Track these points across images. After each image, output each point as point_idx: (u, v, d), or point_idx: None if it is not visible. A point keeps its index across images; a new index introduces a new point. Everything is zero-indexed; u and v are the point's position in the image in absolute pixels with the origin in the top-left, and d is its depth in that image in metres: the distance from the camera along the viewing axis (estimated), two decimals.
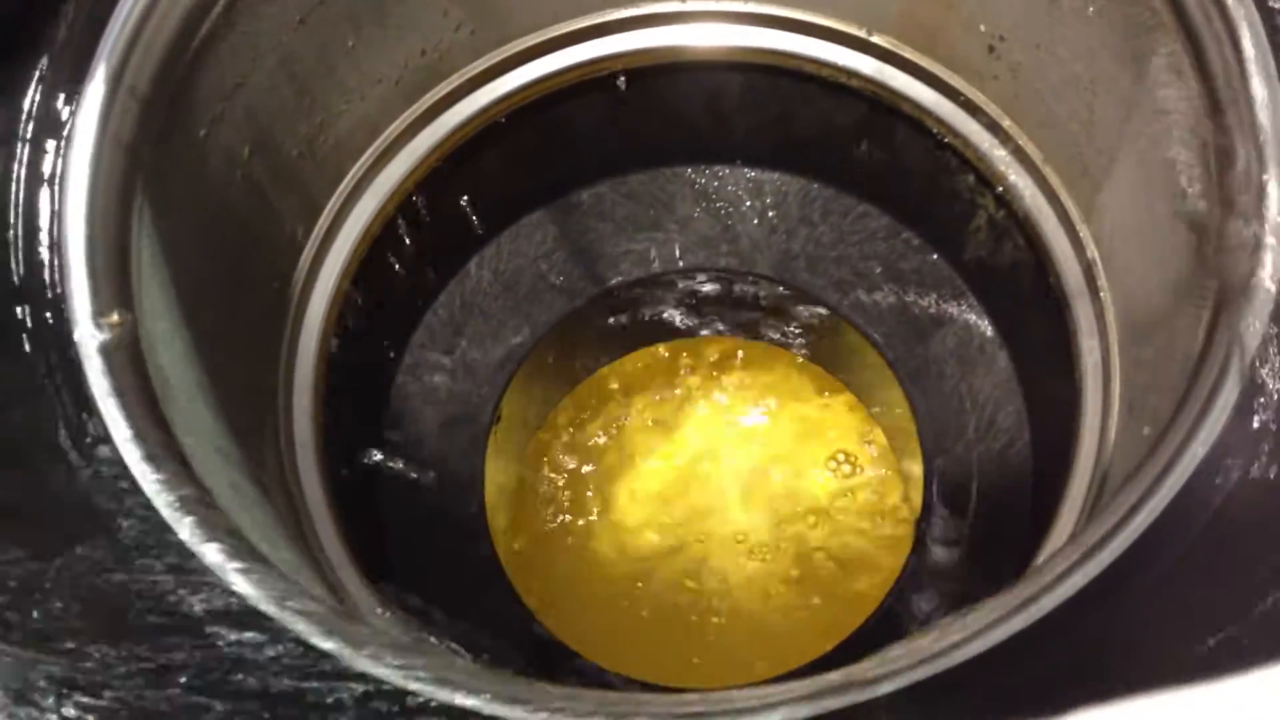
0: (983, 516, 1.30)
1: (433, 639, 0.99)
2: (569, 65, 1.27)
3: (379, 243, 1.24)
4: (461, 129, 1.27)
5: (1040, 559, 1.04)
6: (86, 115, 0.87)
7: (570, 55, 1.27)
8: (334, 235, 1.20)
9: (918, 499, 1.36)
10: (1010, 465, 1.29)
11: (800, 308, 1.45)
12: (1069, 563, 0.73)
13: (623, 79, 1.29)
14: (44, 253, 0.85)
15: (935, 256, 1.37)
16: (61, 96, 0.86)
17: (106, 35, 0.88)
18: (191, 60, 0.94)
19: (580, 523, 1.49)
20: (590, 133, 1.37)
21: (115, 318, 0.84)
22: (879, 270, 1.40)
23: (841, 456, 1.50)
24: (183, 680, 0.73)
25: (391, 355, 1.37)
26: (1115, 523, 0.74)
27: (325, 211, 1.19)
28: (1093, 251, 1.12)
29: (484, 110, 1.27)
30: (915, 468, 1.38)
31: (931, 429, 1.36)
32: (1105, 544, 0.73)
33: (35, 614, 0.75)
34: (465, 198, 1.34)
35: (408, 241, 1.28)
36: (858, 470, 1.49)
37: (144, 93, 0.90)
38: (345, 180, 1.20)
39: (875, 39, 1.20)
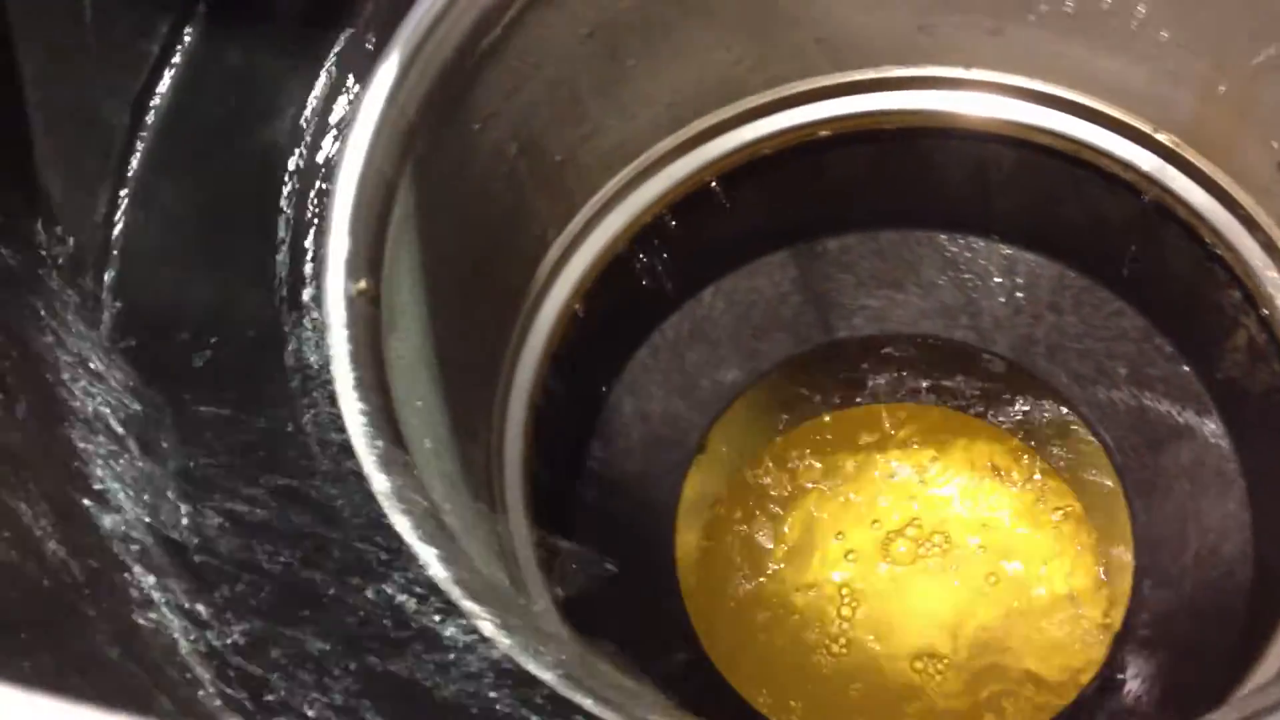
0: (1185, 642, 1.23)
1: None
2: (840, 115, 1.27)
3: (621, 257, 1.27)
4: (723, 160, 1.28)
5: (1242, 692, 0.98)
6: (374, 93, 0.92)
7: (843, 105, 1.27)
8: (580, 242, 1.23)
9: (1118, 615, 1.30)
10: (1224, 596, 1.22)
11: (1032, 394, 1.41)
12: (1271, 701, 0.69)
13: (890, 136, 1.28)
14: (312, 206, 0.90)
15: (1185, 368, 1.31)
16: (352, 74, 0.92)
17: (406, 21, 0.94)
18: (479, 58, 0.99)
19: (762, 566, 1.49)
20: (849, 183, 1.37)
21: (363, 284, 0.89)
22: (1123, 371, 1.35)
23: (1047, 555, 1.44)
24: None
25: (613, 367, 1.39)
26: None
27: (577, 218, 1.22)
28: None
29: (748, 145, 1.28)
30: (1123, 580, 1.32)
31: (1148, 543, 1.30)
32: None
33: None
34: (713, 227, 1.36)
35: (649, 260, 1.31)
36: (1061, 572, 1.43)
37: (430, 81, 0.95)
38: (601, 192, 1.23)
39: (1160, 136, 1.15)
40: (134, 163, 0.89)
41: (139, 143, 0.90)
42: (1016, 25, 1.15)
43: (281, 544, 0.79)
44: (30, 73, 0.76)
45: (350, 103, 0.92)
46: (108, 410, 0.78)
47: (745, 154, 1.29)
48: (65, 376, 0.77)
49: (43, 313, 0.77)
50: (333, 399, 0.84)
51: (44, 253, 0.78)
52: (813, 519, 1.50)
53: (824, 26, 1.19)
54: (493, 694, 0.73)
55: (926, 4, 1.16)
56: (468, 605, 0.78)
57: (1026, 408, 1.43)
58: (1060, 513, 1.46)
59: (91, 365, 0.79)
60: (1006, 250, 1.41)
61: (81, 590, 0.73)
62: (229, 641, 0.75)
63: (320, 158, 0.92)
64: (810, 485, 1.51)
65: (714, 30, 1.15)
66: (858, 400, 1.54)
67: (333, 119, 0.92)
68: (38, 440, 0.74)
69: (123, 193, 0.88)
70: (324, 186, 0.91)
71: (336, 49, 0.94)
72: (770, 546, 1.49)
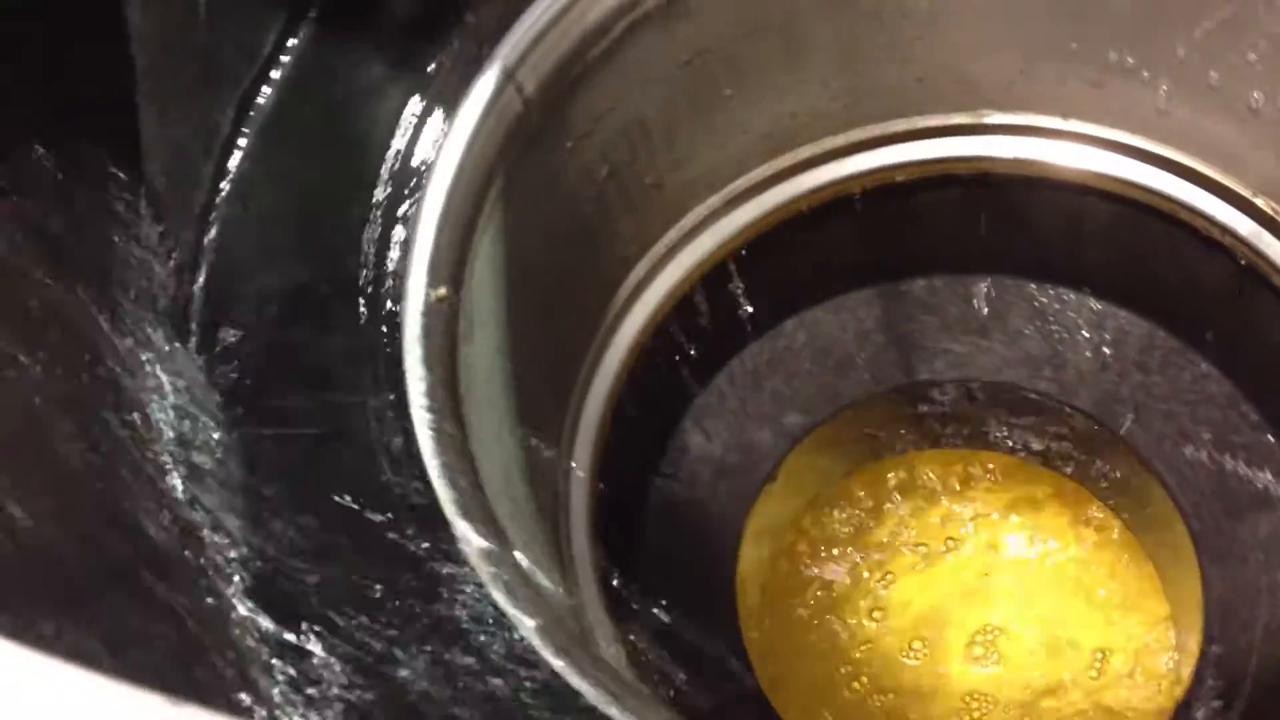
0: (1250, 716, 1.20)
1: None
2: (934, 157, 1.27)
3: (704, 283, 1.28)
4: (813, 194, 1.29)
5: None
6: (473, 101, 0.94)
7: (938, 147, 1.26)
8: (664, 266, 1.24)
9: (1183, 684, 1.27)
10: None
11: (1111, 452, 1.38)
12: None
13: (984, 181, 1.28)
14: (401, 213, 0.92)
15: (1270, 438, 1.28)
16: (452, 86, 0.94)
17: (507, 38, 0.96)
18: (578, 77, 1.01)
19: (822, 601, 1.48)
20: (939, 227, 1.36)
21: (443, 291, 0.91)
22: (1207, 437, 1.32)
23: (1114, 615, 1.41)
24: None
25: (689, 391, 1.40)
26: None
27: (662, 242, 1.24)
28: None
29: (839, 181, 1.28)
30: (1190, 647, 1.29)
31: (1219, 612, 1.27)
32: None
33: None
34: (798, 259, 1.36)
35: (732, 287, 1.31)
36: (1126, 633, 1.40)
37: (529, 96, 0.97)
38: (688, 217, 1.24)
39: (1259, 201, 1.13)
40: (235, 158, 0.92)
41: (241, 139, 0.93)
42: (1119, 80, 1.14)
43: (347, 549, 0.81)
44: (143, 64, 0.79)
45: (447, 113, 0.94)
46: (186, 401, 0.81)
47: (835, 189, 1.29)
48: (147, 366, 0.80)
49: (134, 298, 0.80)
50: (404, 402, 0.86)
51: (140, 242, 0.81)
52: (878, 559, 1.49)
53: (925, 67, 1.19)
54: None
55: (1030, 51, 1.15)
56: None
57: (1105, 465, 1.40)
58: (1130, 574, 1.43)
59: (173, 355, 0.82)
60: (1096, 305, 1.39)
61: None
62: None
63: (414, 164, 0.94)
64: (878, 525, 1.50)
65: (813, 65, 1.16)
66: (934, 444, 1.52)
67: (429, 128, 0.94)
68: (112, 436, 0.77)
69: (222, 186, 0.91)
70: (415, 193, 0.93)
71: (439, 60, 0.96)
72: (832, 581, 1.48)
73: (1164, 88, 1.12)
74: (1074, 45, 1.11)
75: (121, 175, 0.80)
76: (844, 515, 1.52)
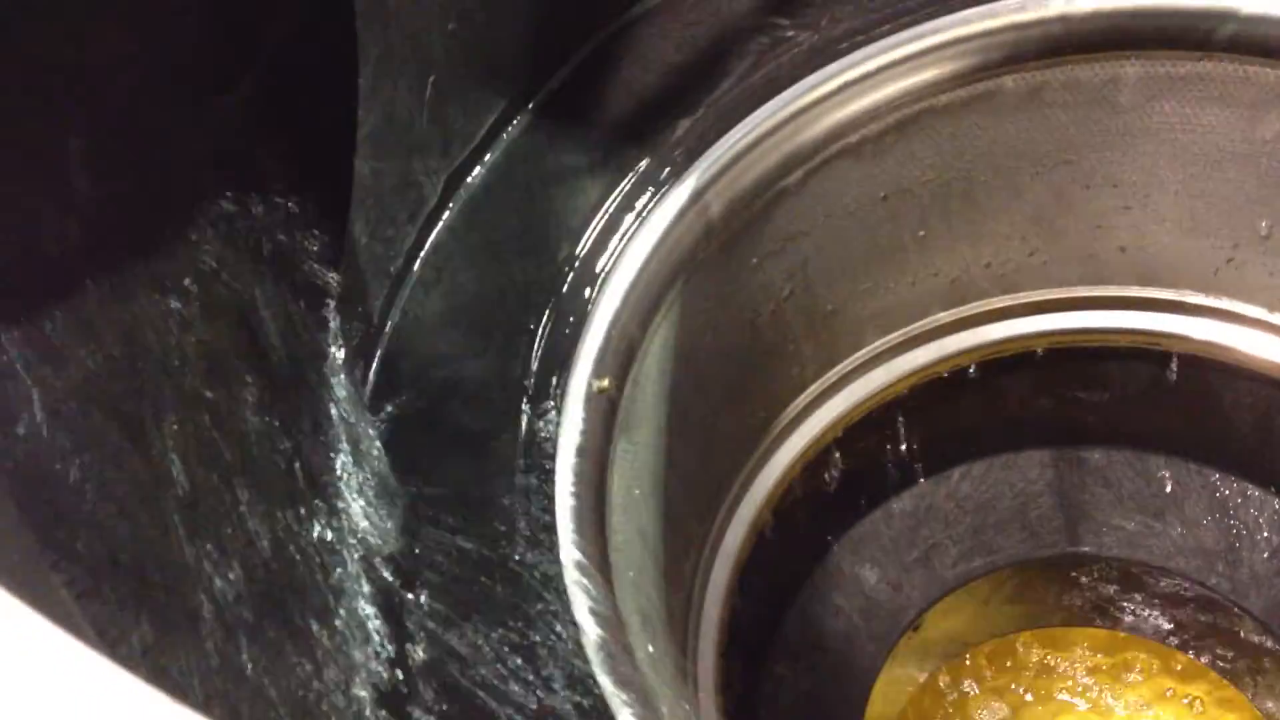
0: None
1: None
2: (1128, 328, 1.24)
3: (874, 416, 1.27)
4: (998, 345, 1.27)
5: None
6: (664, 210, 0.98)
7: (1134, 318, 1.23)
8: (836, 392, 1.24)
9: None
10: None
11: (1274, 662, 1.30)
12: None
13: (1178, 361, 1.24)
14: (579, 303, 0.96)
15: None
16: (650, 189, 0.97)
17: (710, 151, 0.99)
18: (772, 198, 1.03)
19: None
20: (1125, 399, 1.32)
21: (605, 383, 0.93)
22: None
23: None
24: None
25: (841, 523, 1.39)
26: None
27: (837, 368, 1.24)
28: None
29: (1025, 337, 1.26)
30: None
31: None
32: None
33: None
34: (974, 408, 1.34)
35: (902, 424, 1.30)
36: None
37: (719, 211, 1.00)
38: (867, 349, 1.24)
39: None
40: (434, 231, 0.97)
41: (445, 214, 0.98)
42: None
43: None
44: (365, 132, 0.85)
45: (639, 216, 0.97)
46: (350, 459, 0.86)
47: (1021, 344, 1.27)
48: (315, 415, 0.85)
49: (317, 348, 0.85)
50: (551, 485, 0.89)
51: (332, 299, 0.87)
52: None
53: (1131, 238, 1.17)
54: None
55: (1241, 240, 1.12)
56: None
57: (1268, 677, 1.32)
58: None
59: (347, 415, 0.87)
60: None
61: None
62: None
63: (600, 259, 0.97)
64: (1015, 692, 1.45)
65: (1013, 219, 1.15)
66: (1089, 621, 1.46)
67: (619, 227, 0.97)
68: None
69: (420, 255, 0.97)
70: (597, 287, 0.96)
71: (642, 164, 0.99)
72: None
73: None
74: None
75: (328, 233, 0.85)
76: (983, 677, 1.47)
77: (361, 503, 0.88)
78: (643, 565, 1.01)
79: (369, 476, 0.89)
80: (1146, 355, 1.25)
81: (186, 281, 0.72)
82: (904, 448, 1.34)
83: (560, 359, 0.94)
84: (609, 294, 0.95)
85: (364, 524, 0.87)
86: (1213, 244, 1.15)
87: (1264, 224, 1.09)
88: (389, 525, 0.87)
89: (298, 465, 0.82)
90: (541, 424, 0.92)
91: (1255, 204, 1.09)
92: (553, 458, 0.90)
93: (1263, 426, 1.27)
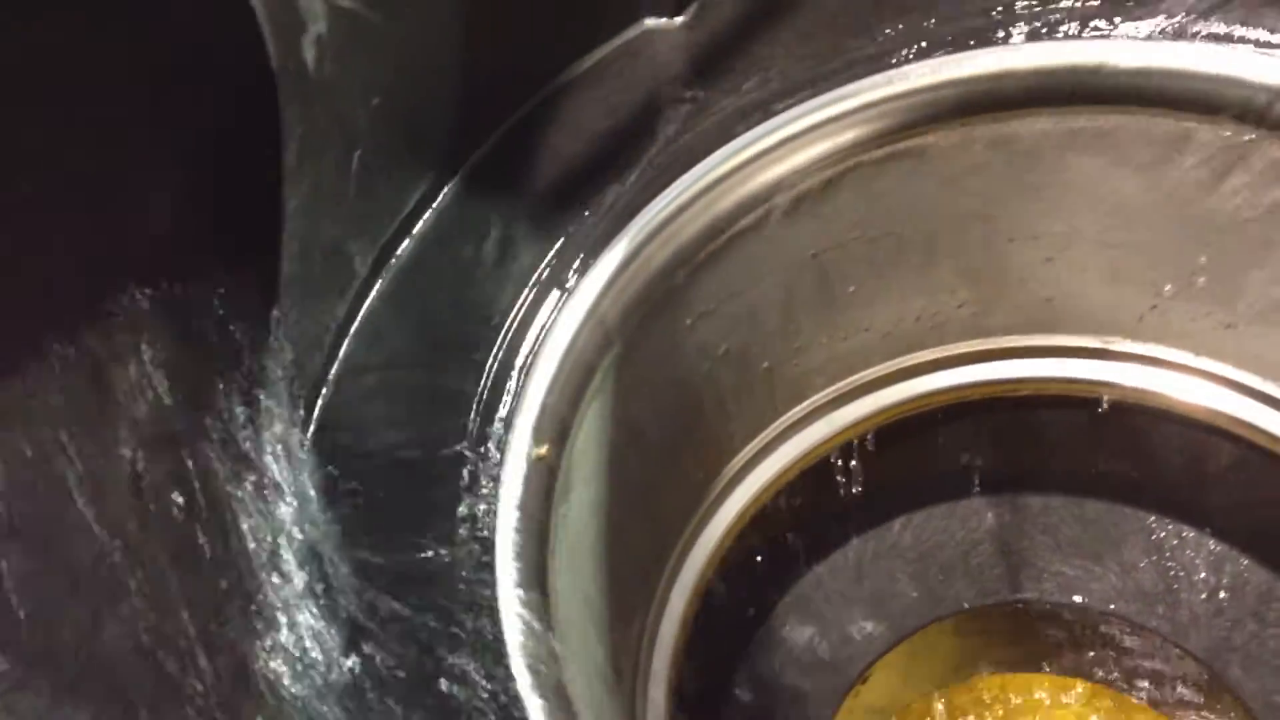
0: None
1: None
2: (1058, 376, 1.26)
3: (812, 471, 1.28)
4: (931, 396, 1.29)
5: None
6: (596, 275, 0.98)
7: (1062, 367, 1.25)
8: (773, 450, 1.25)
9: None
10: None
11: (1217, 703, 1.32)
12: None
13: (1107, 407, 1.26)
14: (514, 370, 0.96)
15: None
16: (582, 254, 0.98)
17: (641, 214, 1.00)
18: (701, 261, 1.04)
19: None
20: (1059, 446, 1.34)
21: (544, 449, 0.93)
22: None
23: None
24: None
25: (786, 579, 1.39)
26: None
27: (774, 425, 1.24)
28: None
29: (959, 387, 1.28)
30: None
31: None
32: None
33: None
34: (912, 460, 1.35)
35: (841, 479, 1.31)
36: None
37: (651, 274, 1.00)
38: (803, 405, 1.25)
39: None
40: (367, 303, 0.97)
41: (376, 286, 0.98)
42: (1254, 325, 1.13)
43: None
44: (293, 207, 0.84)
45: (573, 279, 0.98)
46: (285, 523, 0.85)
47: (954, 395, 1.28)
48: (252, 488, 0.84)
49: (250, 425, 0.84)
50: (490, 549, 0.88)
51: (268, 372, 0.86)
52: None
53: (1055, 288, 1.19)
54: None
55: (1162, 286, 1.14)
56: None
57: (1209, 714, 1.34)
58: None
59: (281, 482, 0.86)
60: (1216, 546, 1.35)
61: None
62: None
63: (534, 326, 0.97)
64: None
65: (941, 274, 1.17)
66: (1035, 667, 1.47)
67: (552, 294, 0.97)
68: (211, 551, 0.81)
69: (352, 329, 0.96)
70: (532, 353, 0.96)
71: (572, 230, 1.00)
72: None
73: None
74: (1202, 281, 1.10)
75: (257, 310, 0.85)
76: None
77: (302, 582, 0.87)
78: (587, 631, 1.00)
79: (308, 556, 0.88)
80: (1079, 402, 1.27)
81: (116, 373, 0.72)
82: (844, 501, 1.35)
83: (497, 428, 0.93)
84: (544, 361, 0.95)
85: (306, 618, 0.86)
86: (1135, 291, 1.17)
87: (1184, 270, 1.12)
88: (332, 634, 0.86)
89: (231, 546, 0.82)
90: (481, 494, 0.91)
91: (1173, 251, 1.11)
92: (493, 528, 0.89)
93: (1193, 469, 1.29)
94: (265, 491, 0.88)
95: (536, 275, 0.98)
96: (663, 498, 1.16)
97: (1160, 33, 0.96)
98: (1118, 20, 0.97)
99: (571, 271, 0.97)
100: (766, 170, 1.02)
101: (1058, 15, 0.98)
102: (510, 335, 0.96)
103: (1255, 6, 0.95)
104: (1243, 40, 0.94)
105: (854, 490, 1.34)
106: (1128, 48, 0.96)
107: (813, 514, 1.33)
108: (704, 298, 1.07)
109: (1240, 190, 1.03)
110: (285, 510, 0.89)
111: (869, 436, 1.29)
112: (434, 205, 1.01)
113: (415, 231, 1.00)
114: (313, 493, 0.91)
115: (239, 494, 0.84)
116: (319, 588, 0.87)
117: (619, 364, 1.00)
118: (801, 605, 1.40)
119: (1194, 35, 0.95)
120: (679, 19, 1.08)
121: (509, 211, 1.00)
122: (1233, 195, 1.03)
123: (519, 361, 0.96)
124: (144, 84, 0.74)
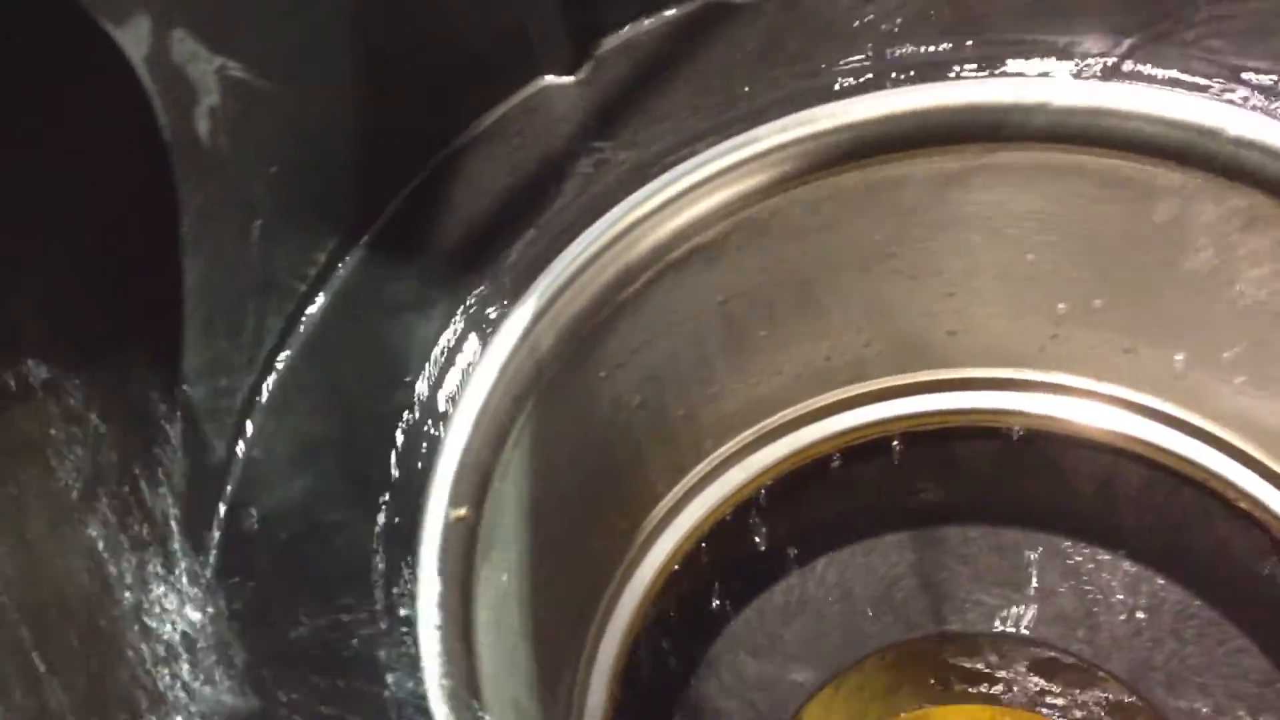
0: None
1: None
2: (966, 408, 1.28)
3: (732, 519, 1.28)
4: (846, 435, 1.30)
5: None
6: (505, 335, 0.98)
7: (970, 399, 1.27)
8: (693, 498, 1.25)
9: None
10: None
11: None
12: None
13: (1017, 436, 1.28)
14: (429, 432, 0.95)
15: None
16: (489, 314, 0.97)
17: (546, 272, 1.00)
18: (613, 312, 1.04)
19: None
20: (973, 477, 1.36)
21: (463, 511, 0.92)
22: (1241, 712, 1.28)
23: None
24: None
25: (713, 626, 1.39)
26: None
27: (692, 473, 1.25)
28: None
29: (872, 425, 1.29)
30: None
31: None
32: None
33: None
34: (831, 500, 1.36)
35: (761, 524, 1.31)
36: None
37: (561, 330, 1.00)
38: (719, 451, 1.25)
39: None
40: (274, 373, 0.96)
41: (284, 354, 0.97)
42: (1153, 349, 1.15)
43: None
44: (192, 281, 0.83)
45: (482, 340, 0.97)
46: (188, 606, 0.83)
47: (869, 432, 1.30)
48: (155, 571, 0.82)
49: (153, 505, 0.83)
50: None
51: (172, 449, 0.84)
52: None
53: (958, 321, 1.21)
54: None
55: (1061, 316, 1.17)
56: None
57: None
58: None
59: (183, 564, 0.84)
60: (1131, 567, 1.37)
61: None
62: None
63: (446, 387, 0.97)
64: None
65: (847, 314, 1.19)
66: (961, 698, 1.48)
67: (463, 354, 0.97)
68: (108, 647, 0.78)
69: (260, 399, 0.95)
70: (445, 415, 0.95)
71: (479, 290, 0.99)
72: None
73: (1196, 361, 1.13)
74: (1099, 304, 1.13)
75: (159, 388, 0.83)
76: None
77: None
78: (516, 690, 0.99)
79: (215, 641, 0.86)
80: (989, 432, 1.29)
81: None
82: (768, 543, 1.35)
83: (414, 491, 0.92)
84: (459, 421, 0.94)
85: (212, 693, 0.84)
86: (1035, 321, 1.20)
87: (1081, 299, 1.15)
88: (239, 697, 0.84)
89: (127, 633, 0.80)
90: (401, 559, 0.90)
91: (1070, 281, 1.14)
92: (414, 593, 0.88)
93: (1104, 493, 1.32)
94: (168, 574, 0.86)
95: (446, 336, 0.98)
96: (587, 552, 1.15)
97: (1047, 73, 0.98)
98: (1009, 61, 0.99)
99: (483, 330, 0.97)
100: (668, 221, 1.03)
101: (944, 56, 1.00)
102: (424, 399, 0.95)
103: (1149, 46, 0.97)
104: (1139, 77, 0.96)
105: (777, 532, 1.35)
106: (1017, 85, 0.98)
107: (738, 558, 1.33)
108: (616, 349, 1.07)
109: (1134, 216, 1.05)
110: (189, 592, 0.87)
111: (787, 478, 1.30)
112: (340, 271, 1.00)
113: (322, 298, 0.99)
114: (216, 575, 0.89)
115: (139, 577, 0.82)
116: (228, 673, 0.85)
117: (535, 419, 1.00)
118: (731, 651, 1.40)
119: (1081, 74, 0.98)
120: (575, 76, 1.09)
121: (417, 272, 1.00)
122: (1126, 221, 1.06)
123: (433, 424, 0.95)
124: (36, 161, 0.73)
